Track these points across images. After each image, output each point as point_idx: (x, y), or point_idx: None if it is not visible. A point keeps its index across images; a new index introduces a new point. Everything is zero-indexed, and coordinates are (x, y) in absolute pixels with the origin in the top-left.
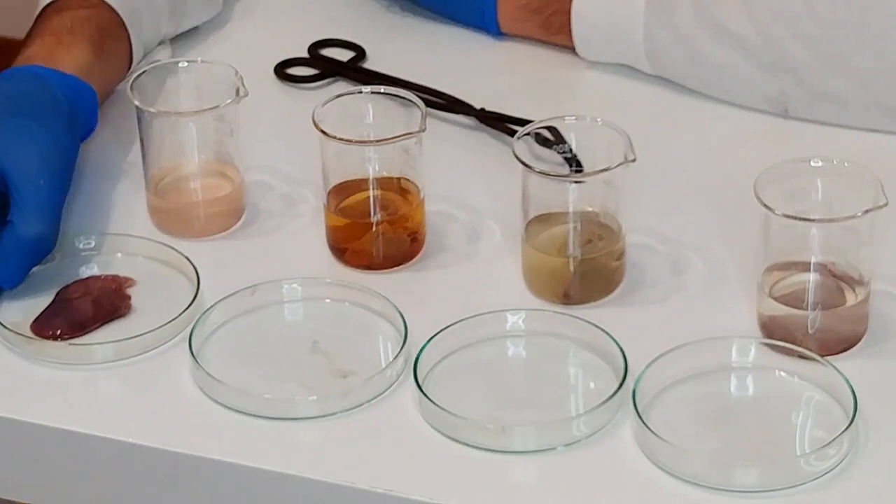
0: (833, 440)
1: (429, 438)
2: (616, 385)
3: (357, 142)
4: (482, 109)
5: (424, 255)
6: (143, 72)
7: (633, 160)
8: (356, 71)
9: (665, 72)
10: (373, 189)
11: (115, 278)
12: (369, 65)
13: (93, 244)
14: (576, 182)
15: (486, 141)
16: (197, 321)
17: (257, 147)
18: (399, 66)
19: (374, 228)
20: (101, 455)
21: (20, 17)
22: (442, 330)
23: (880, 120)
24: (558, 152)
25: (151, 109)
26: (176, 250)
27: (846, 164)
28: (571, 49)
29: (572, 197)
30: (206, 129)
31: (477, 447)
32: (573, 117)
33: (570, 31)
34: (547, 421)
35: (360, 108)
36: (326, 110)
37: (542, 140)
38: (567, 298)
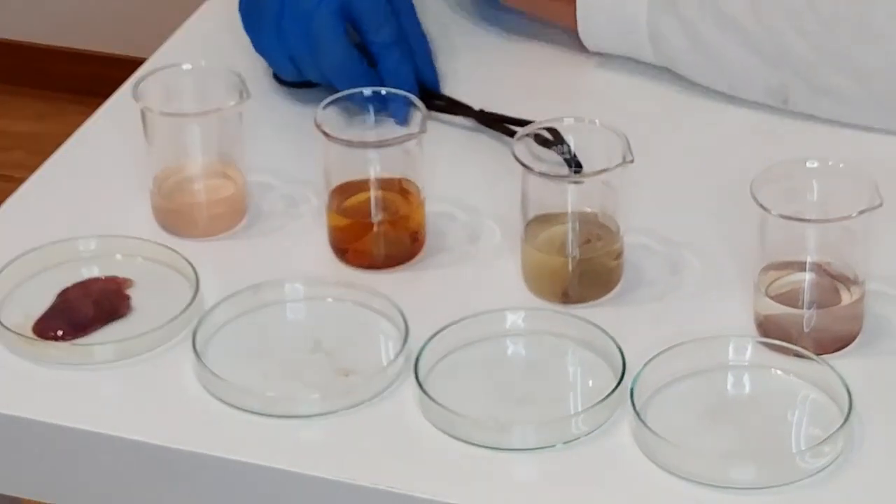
0: (828, 438)
1: (429, 436)
2: (614, 383)
3: (358, 143)
4: (481, 111)
5: (425, 255)
6: (148, 74)
7: (632, 161)
8: None
9: (668, 59)
10: (374, 190)
11: (114, 279)
12: None
13: (92, 246)
14: (575, 183)
15: (486, 141)
16: (200, 320)
17: (260, 148)
18: None
19: (375, 229)
20: (106, 452)
21: (20, 17)
22: (442, 329)
23: (881, 118)
24: (558, 153)
25: (156, 111)
26: (174, 251)
27: (841, 165)
28: (571, 44)
29: (571, 197)
30: (210, 131)
31: (477, 444)
32: (572, 119)
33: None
34: (546, 419)
35: (361, 109)
36: (328, 112)
37: (541, 141)
38: (566, 298)
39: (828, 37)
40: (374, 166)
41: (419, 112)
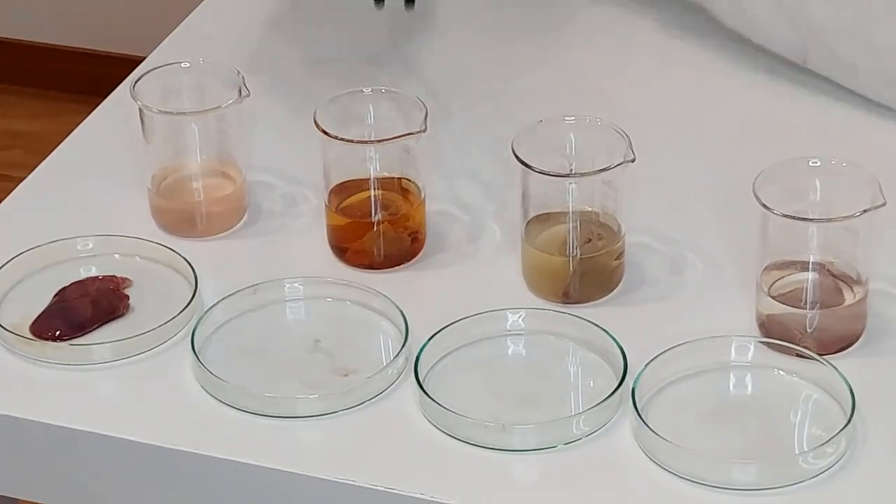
0: (831, 438)
1: (429, 436)
2: (616, 383)
3: (358, 141)
4: None
5: (425, 255)
6: (146, 72)
7: (633, 160)
8: None
9: (706, 2)
10: (374, 189)
11: (112, 279)
12: None
13: (90, 245)
14: (575, 181)
15: (486, 140)
16: (199, 320)
17: (259, 147)
18: None
19: (374, 228)
20: (104, 453)
21: (18, 16)
22: (442, 329)
23: (889, 95)
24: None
25: (154, 110)
26: (173, 250)
27: (844, 164)
28: (572, 42)
29: (572, 196)
30: (209, 130)
31: (477, 445)
32: (573, 117)
33: None
34: (547, 419)
35: (361, 108)
36: (327, 110)
37: None
38: (567, 297)
39: (849, 7)
40: (374, 165)
41: (420, 110)
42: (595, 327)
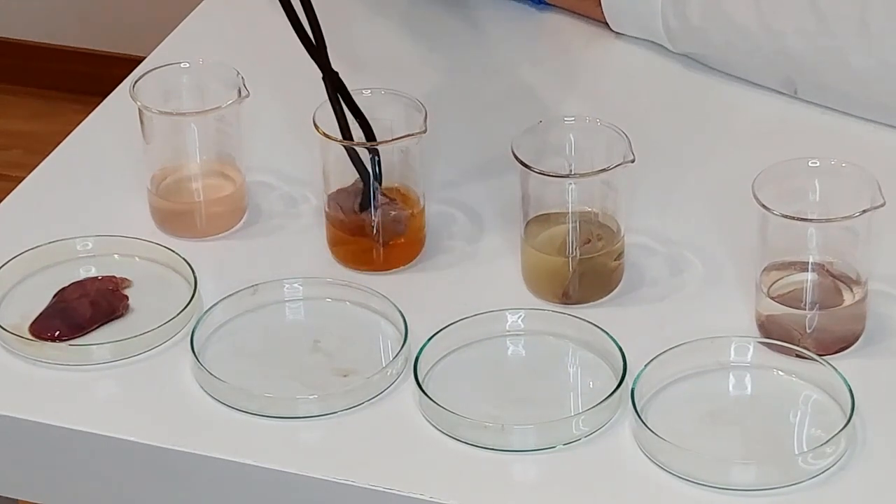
0: (830, 439)
1: (429, 437)
2: (615, 384)
3: (358, 144)
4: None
5: (424, 255)
6: (146, 72)
7: (632, 161)
8: None
9: (686, 53)
10: (373, 191)
11: (111, 279)
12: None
13: (90, 246)
14: (575, 182)
15: (485, 141)
16: (198, 321)
17: (259, 147)
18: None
19: (374, 229)
20: (103, 454)
21: (18, 15)
22: (442, 329)
23: (881, 116)
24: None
25: (153, 110)
26: (172, 250)
27: (843, 165)
28: (570, 43)
29: (571, 197)
30: (208, 130)
31: (477, 446)
32: (573, 117)
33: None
34: (546, 420)
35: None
36: (327, 111)
37: None
38: (566, 298)
39: (826, 36)
40: (374, 167)
41: (420, 111)
42: (594, 328)
